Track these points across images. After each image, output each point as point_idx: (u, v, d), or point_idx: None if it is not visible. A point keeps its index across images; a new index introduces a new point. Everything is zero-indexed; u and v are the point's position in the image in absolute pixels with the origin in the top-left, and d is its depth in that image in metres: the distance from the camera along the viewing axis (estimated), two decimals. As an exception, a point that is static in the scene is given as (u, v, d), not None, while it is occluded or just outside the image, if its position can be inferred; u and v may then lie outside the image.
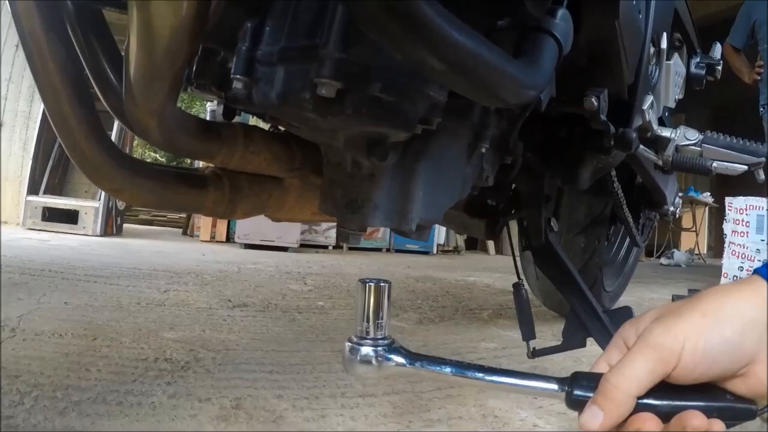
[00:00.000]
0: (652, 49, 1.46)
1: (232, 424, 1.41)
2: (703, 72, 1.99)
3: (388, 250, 7.76)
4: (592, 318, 1.56)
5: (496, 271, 5.80)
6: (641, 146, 1.45)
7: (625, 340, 0.70)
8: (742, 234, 4.85)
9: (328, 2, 0.78)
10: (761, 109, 5.46)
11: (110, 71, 1.07)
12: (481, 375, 0.77)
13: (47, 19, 0.83)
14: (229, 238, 6.98)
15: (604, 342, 1.49)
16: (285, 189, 1.20)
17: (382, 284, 0.88)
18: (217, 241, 7.06)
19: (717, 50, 2.07)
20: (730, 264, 4.92)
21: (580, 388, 0.67)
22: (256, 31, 0.83)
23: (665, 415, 0.64)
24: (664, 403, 0.64)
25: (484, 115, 1.07)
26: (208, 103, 1.35)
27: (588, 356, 1.83)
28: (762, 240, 4.73)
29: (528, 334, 1.59)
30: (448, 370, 0.79)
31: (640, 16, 1.30)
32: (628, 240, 3.20)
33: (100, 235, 6.37)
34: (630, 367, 0.64)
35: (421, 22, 0.60)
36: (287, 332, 2.36)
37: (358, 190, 0.96)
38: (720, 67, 2.03)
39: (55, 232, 6.13)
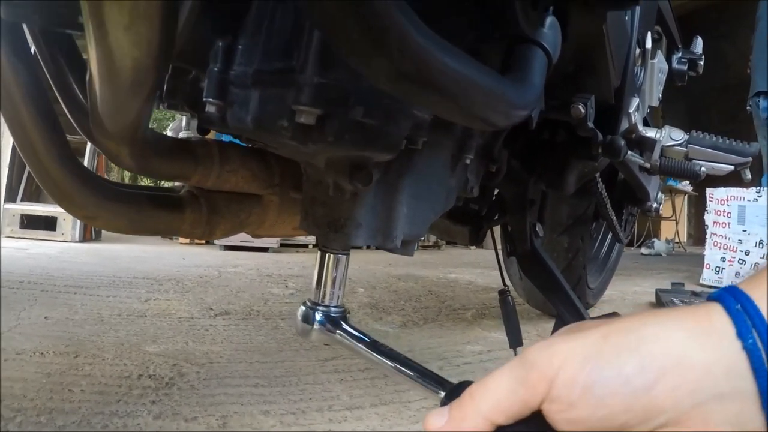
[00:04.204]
0: (637, 50, 1.43)
1: (218, 445, 1.38)
2: (686, 67, 1.97)
3: (368, 246, 7.63)
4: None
5: (476, 266, 5.78)
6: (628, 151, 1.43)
7: None
8: (723, 225, 4.87)
9: (306, 21, 0.73)
10: (749, 102, 5.47)
11: (80, 94, 1.03)
12: (385, 360, 0.85)
13: (9, 43, 0.79)
14: (209, 240, 6.89)
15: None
16: (264, 206, 1.16)
17: (340, 256, 0.99)
18: (197, 243, 6.99)
19: (698, 44, 2.05)
20: (712, 255, 4.93)
21: (456, 395, 0.55)
22: (228, 51, 0.77)
23: None
24: None
25: (468, 127, 1.04)
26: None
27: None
28: (743, 230, 4.74)
29: (515, 341, 1.57)
30: (362, 347, 0.89)
31: (626, 18, 1.28)
32: (610, 235, 3.19)
33: (79, 241, 6.30)
34: (493, 380, 0.51)
35: (407, 46, 0.54)
36: (270, 341, 2.32)
37: (340, 209, 0.92)
38: (702, 62, 2.01)
39: (33, 240, 6.05)
